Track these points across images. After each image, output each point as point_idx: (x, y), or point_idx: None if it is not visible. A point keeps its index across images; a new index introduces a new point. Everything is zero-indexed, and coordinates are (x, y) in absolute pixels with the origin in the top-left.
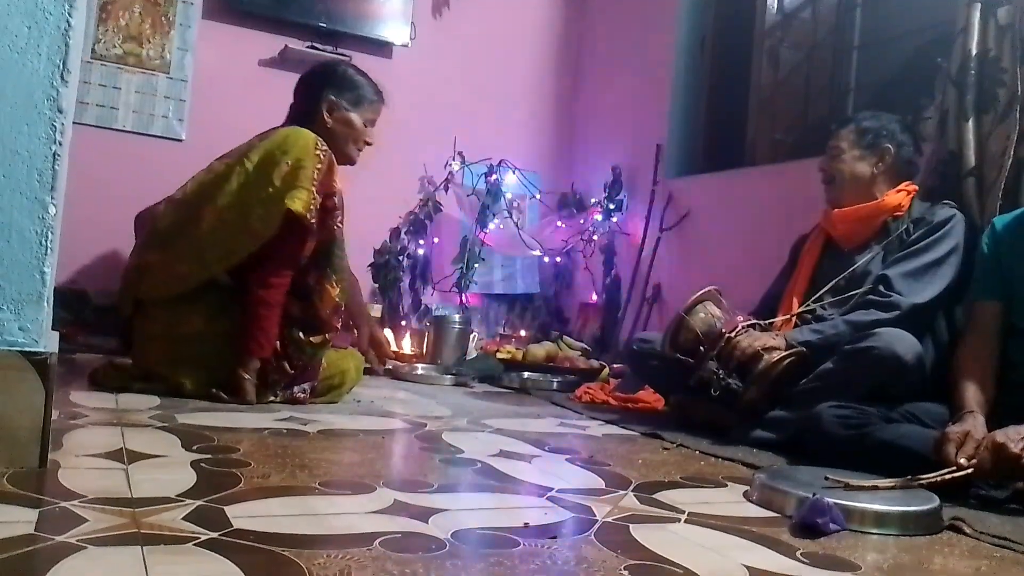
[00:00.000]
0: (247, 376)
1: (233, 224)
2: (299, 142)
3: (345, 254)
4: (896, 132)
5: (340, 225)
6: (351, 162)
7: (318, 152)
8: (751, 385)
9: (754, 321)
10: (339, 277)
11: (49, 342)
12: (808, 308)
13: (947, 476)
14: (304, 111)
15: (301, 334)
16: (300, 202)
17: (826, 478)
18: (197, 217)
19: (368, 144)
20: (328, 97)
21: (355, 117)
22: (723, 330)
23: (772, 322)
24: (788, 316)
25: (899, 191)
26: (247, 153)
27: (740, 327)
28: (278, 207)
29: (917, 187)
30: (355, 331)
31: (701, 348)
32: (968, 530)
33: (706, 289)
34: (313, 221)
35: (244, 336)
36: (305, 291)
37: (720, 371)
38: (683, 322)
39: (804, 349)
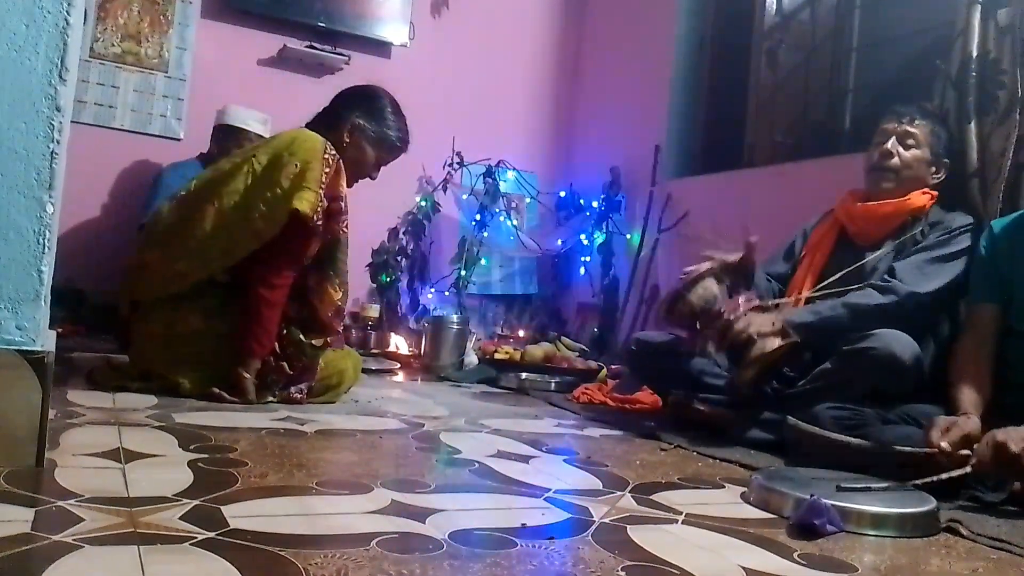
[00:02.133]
0: (247, 375)
1: (236, 223)
2: (307, 144)
3: (346, 257)
4: (948, 151)
5: (346, 229)
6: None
7: (327, 156)
8: (744, 369)
9: (757, 303)
10: (341, 280)
11: (46, 341)
12: (812, 295)
13: (945, 476)
14: (328, 120)
15: (302, 336)
16: (307, 203)
17: (817, 478)
18: (199, 215)
19: (370, 178)
20: (356, 120)
21: (370, 151)
22: (721, 310)
23: (776, 303)
24: (794, 299)
25: (924, 193)
26: (255, 153)
27: (742, 310)
28: (284, 207)
29: (937, 192)
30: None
31: (696, 324)
32: (965, 532)
33: (709, 265)
34: (319, 223)
35: (245, 335)
36: (302, 292)
37: (713, 349)
38: (681, 295)
39: (797, 339)
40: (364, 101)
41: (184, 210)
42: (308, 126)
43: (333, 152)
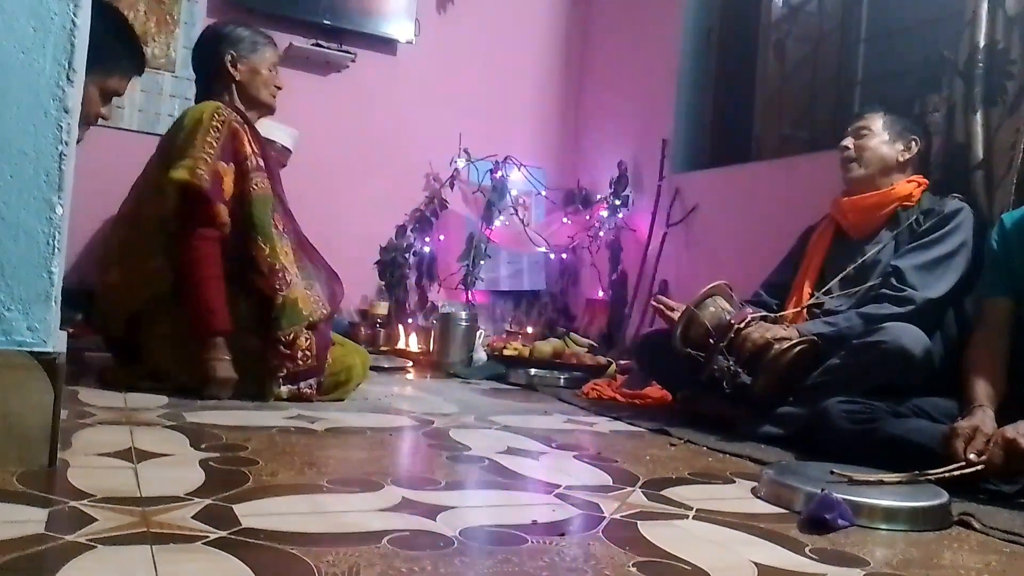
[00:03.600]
0: (212, 357)
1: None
2: (192, 115)
3: (268, 213)
4: (919, 132)
5: (257, 186)
6: (270, 110)
7: (215, 122)
8: (761, 374)
9: (764, 313)
10: (264, 236)
11: (57, 342)
12: (817, 301)
13: (956, 472)
14: (210, 75)
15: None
16: (183, 169)
17: (831, 472)
18: (147, 216)
19: (279, 88)
20: (228, 52)
21: (258, 63)
22: (732, 322)
23: (783, 315)
24: (799, 308)
25: (910, 181)
26: (161, 144)
27: (750, 318)
28: (169, 181)
29: (927, 181)
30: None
31: (711, 341)
32: (977, 525)
33: (715, 283)
34: (204, 185)
35: (191, 319)
36: (254, 265)
37: (732, 365)
38: (693, 316)
39: (815, 338)
40: (215, 39)
41: (132, 223)
42: (199, 97)
43: (223, 117)
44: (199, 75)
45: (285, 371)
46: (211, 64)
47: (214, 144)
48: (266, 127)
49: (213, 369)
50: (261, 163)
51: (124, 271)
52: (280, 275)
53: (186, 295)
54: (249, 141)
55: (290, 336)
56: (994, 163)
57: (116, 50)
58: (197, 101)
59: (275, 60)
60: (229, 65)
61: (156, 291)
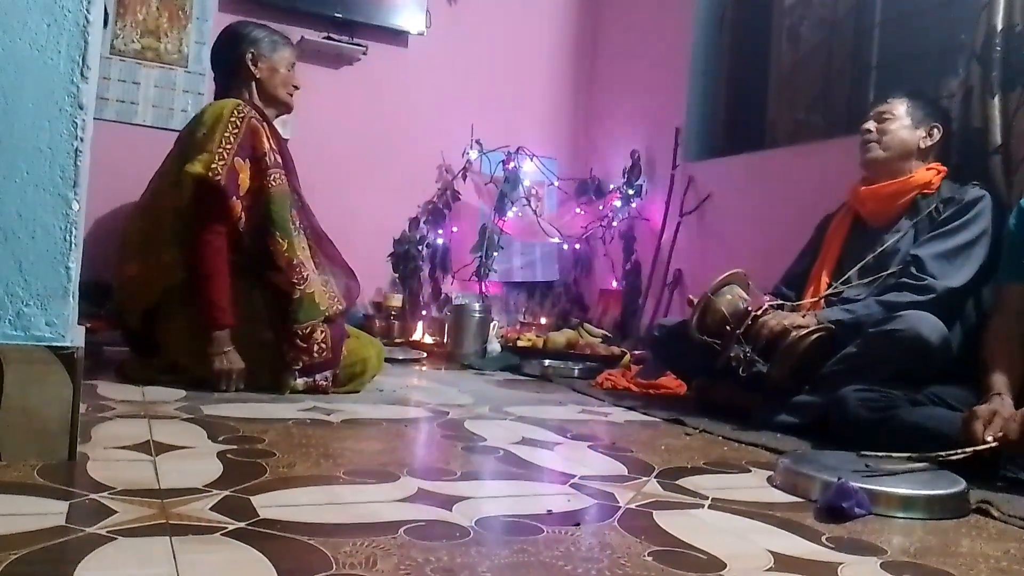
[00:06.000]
0: (215, 352)
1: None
2: (213, 111)
3: (287, 209)
4: (941, 119)
5: (275, 183)
6: (288, 108)
7: (234, 118)
8: (778, 362)
9: (781, 301)
10: (282, 232)
11: (75, 336)
12: (836, 290)
13: (971, 451)
14: (230, 73)
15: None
16: (199, 164)
17: (859, 455)
18: (164, 212)
19: (296, 88)
20: (248, 51)
21: (276, 60)
22: (749, 309)
23: (800, 303)
24: (817, 299)
25: (929, 168)
26: (179, 138)
27: (767, 306)
28: (186, 174)
29: (947, 168)
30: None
31: (728, 328)
32: (996, 513)
33: (732, 271)
34: (219, 179)
35: (200, 312)
36: (269, 261)
37: (748, 352)
38: (710, 303)
39: (832, 325)
40: (235, 38)
41: (148, 218)
42: (218, 95)
43: (243, 114)
44: (218, 73)
45: (301, 364)
46: (231, 62)
47: (232, 140)
48: None
49: (214, 362)
50: (279, 160)
51: (142, 264)
52: (297, 270)
53: (196, 288)
54: (268, 138)
55: (306, 330)
56: (1012, 148)
57: None
58: (217, 98)
59: (293, 59)
60: (250, 63)
61: (170, 283)
